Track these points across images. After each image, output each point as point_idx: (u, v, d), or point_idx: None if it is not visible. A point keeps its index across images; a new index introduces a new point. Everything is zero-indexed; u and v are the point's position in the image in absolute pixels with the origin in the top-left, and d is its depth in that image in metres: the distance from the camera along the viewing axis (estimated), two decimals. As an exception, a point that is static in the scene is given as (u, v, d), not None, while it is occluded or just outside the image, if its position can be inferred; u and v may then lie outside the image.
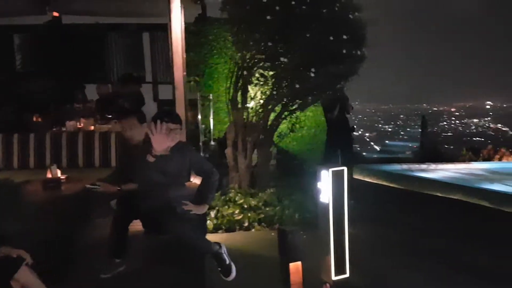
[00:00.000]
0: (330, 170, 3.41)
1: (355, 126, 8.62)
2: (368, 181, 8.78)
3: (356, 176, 8.93)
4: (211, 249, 3.39)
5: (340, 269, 3.46)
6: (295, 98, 6.16)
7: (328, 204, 3.43)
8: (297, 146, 9.33)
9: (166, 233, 3.27)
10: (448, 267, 4.20)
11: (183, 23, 5.95)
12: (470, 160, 11.26)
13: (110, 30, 9.68)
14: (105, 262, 3.59)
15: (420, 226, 5.71)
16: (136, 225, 3.70)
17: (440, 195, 7.32)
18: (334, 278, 3.43)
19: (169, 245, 3.51)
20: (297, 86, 5.69)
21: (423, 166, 9.60)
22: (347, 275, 3.50)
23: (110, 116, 6.94)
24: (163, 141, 3.19)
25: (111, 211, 3.78)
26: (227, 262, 3.45)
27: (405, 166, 9.61)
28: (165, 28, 6.28)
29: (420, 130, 12.08)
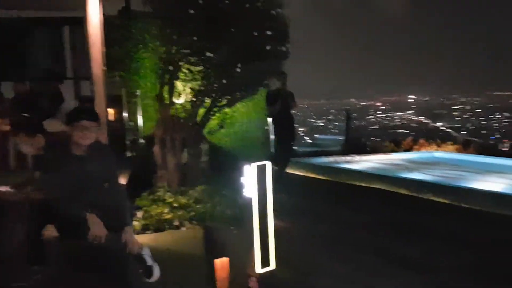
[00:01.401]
0: (254, 165, 3.43)
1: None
2: (298, 174, 9.05)
3: (287, 170, 9.13)
4: (133, 252, 3.27)
5: (265, 262, 3.50)
6: (223, 94, 6.14)
7: (252, 199, 3.46)
8: (230, 142, 9.32)
9: (81, 238, 3.10)
10: (373, 257, 4.37)
11: (101, 15, 5.66)
12: (392, 151, 12.00)
13: (28, 24, 8.96)
14: (20, 270, 3.34)
15: (346, 216, 5.98)
16: (53, 230, 3.47)
17: (364, 185, 7.75)
18: (259, 271, 3.46)
19: (87, 249, 3.33)
20: (225, 81, 5.66)
21: (348, 158, 10.08)
22: (273, 267, 3.55)
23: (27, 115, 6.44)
24: (79, 140, 3.03)
25: (24, 216, 3.51)
26: (149, 263, 3.34)
27: (332, 159, 10.02)
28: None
29: (345, 124, 12.62)
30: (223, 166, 8.22)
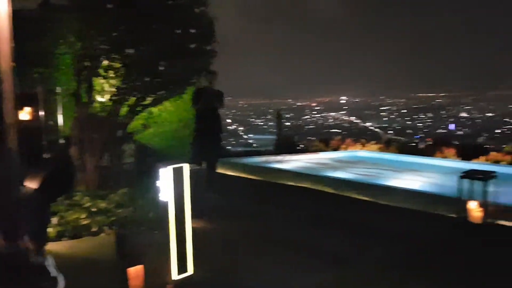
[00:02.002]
0: (170, 167, 3.33)
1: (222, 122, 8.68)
2: (229, 175, 9.03)
3: (219, 170, 9.07)
4: (34, 262, 3.01)
5: (182, 268, 3.42)
6: (147, 92, 5.93)
7: (169, 203, 3.35)
8: (159, 143, 9.06)
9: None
10: (299, 253, 4.46)
11: (10, 7, 5.19)
12: (321, 150, 12.41)
13: None
14: None
15: (275, 215, 6.05)
16: None
17: (292, 184, 7.92)
18: (176, 277, 3.37)
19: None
20: (148, 79, 5.46)
21: (279, 157, 10.26)
22: (191, 272, 3.48)
23: None
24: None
25: None
26: (53, 274, 3.10)
27: (263, 158, 10.14)
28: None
29: (276, 124, 12.84)
30: (150, 167, 7.98)
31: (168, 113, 8.81)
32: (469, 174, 5.47)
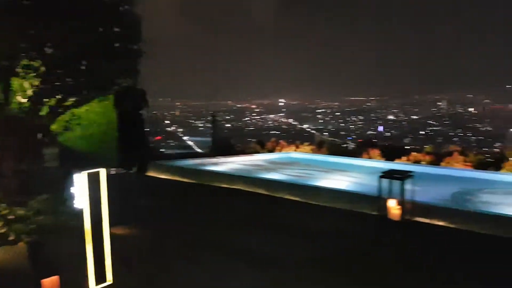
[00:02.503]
0: (84, 173, 3.18)
1: (145, 122, 8.47)
2: (163, 178, 8.83)
3: (150, 174, 8.84)
4: None
5: (101, 277, 3.27)
6: (69, 93, 5.61)
7: (84, 210, 3.20)
8: (86, 146, 8.63)
9: None
10: (228, 257, 4.43)
11: None
12: (257, 152, 12.57)
13: None
14: None
15: (207, 218, 6.00)
16: None
17: (226, 186, 7.93)
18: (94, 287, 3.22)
19: None
20: (69, 79, 5.17)
21: (214, 159, 10.22)
22: (110, 282, 3.34)
23: None
24: None
25: None
26: None
27: (198, 161, 10.04)
28: None
29: (211, 126, 12.78)
30: (75, 171, 7.56)
31: (96, 115, 8.42)
32: (388, 174, 5.81)
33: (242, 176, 8.19)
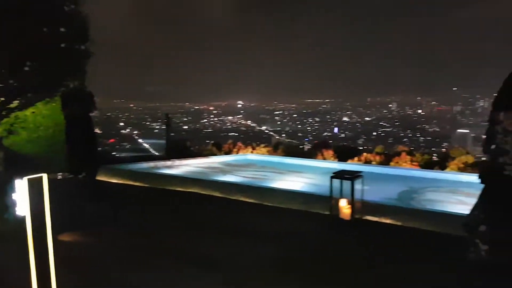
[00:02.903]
0: (25, 178, 3.02)
1: (94, 126, 8.17)
2: (114, 182, 8.57)
3: (100, 178, 8.56)
4: None
5: (44, 287, 3.12)
6: (12, 95, 5.34)
7: (26, 217, 3.04)
8: (33, 149, 8.23)
9: None
10: (178, 260, 4.37)
11: None
12: (213, 154, 12.51)
13: None
14: None
15: (159, 223, 5.88)
16: None
17: (180, 189, 7.82)
18: (36, 299, 3.06)
19: None
20: (11, 81, 4.92)
21: (169, 163, 10.05)
22: (54, 291, 3.19)
23: None
24: None
25: None
26: None
27: (152, 164, 9.84)
28: None
29: (165, 128, 12.57)
30: (23, 175, 7.17)
31: (43, 117, 8.06)
32: (339, 175, 5.98)
33: (197, 179, 8.12)
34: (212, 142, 15.03)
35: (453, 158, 11.27)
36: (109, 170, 8.67)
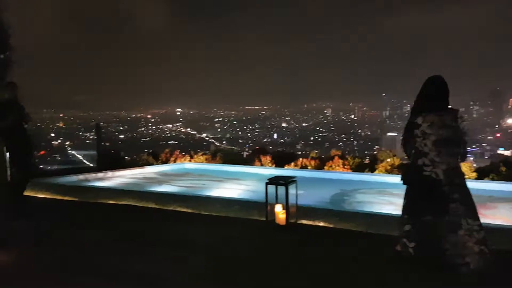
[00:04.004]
0: None
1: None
2: (42, 197, 8.02)
3: (27, 193, 7.97)
4: None
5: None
6: None
7: None
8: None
9: None
10: (103, 278, 4.16)
11: None
12: (149, 164, 12.18)
13: None
14: None
15: (88, 238, 5.57)
16: None
17: (112, 202, 7.50)
18: None
19: None
20: None
21: (100, 174, 9.62)
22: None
23: None
24: None
25: None
26: None
27: (81, 177, 9.35)
28: None
29: (96, 137, 12.03)
30: None
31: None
32: (273, 180, 6.08)
33: (131, 190, 7.84)
34: (148, 151, 14.60)
35: (382, 161, 11.98)
36: (36, 185, 8.11)
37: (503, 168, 13.31)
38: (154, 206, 7.22)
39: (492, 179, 12.15)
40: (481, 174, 12.84)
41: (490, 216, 6.43)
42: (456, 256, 3.46)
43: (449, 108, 3.61)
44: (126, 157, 13.40)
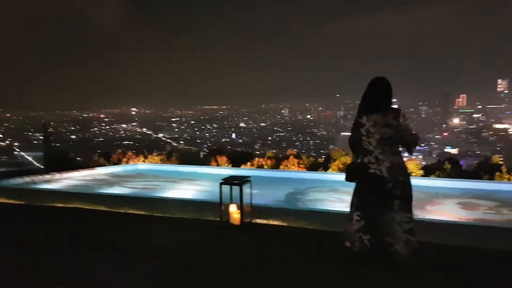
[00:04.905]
0: None
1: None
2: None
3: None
4: None
5: None
6: None
7: None
8: None
9: None
10: (45, 284, 3.97)
11: None
12: (101, 165, 11.77)
13: None
14: None
15: (32, 244, 5.28)
16: None
17: (60, 205, 7.17)
18: None
19: None
20: None
21: (48, 176, 9.18)
22: None
23: None
24: None
25: None
26: None
27: (28, 179, 8.88)
28: None
29: (43, 138, 11.48)
30: None
31: None
32: (228, 180, 6.06)
33: (80, 193, 7.54)
34: (99, 152, 14.09)
35: (335, 160, 12.29)
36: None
37: (448, 166, 14.07)
38: (104, 209, 6.98)
39: (438, 176, 12.81)
40: (428, 171, 13.50)
41: (436, 212, 6.77)
42: (391, 245, 3.62)
43: (392, 107, 3.75)
44: (78, 158, 12.85)
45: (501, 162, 15.47)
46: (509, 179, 12.09)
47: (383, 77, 3.82)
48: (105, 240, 5.46)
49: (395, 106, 3.88)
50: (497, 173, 12.55)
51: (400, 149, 3.80)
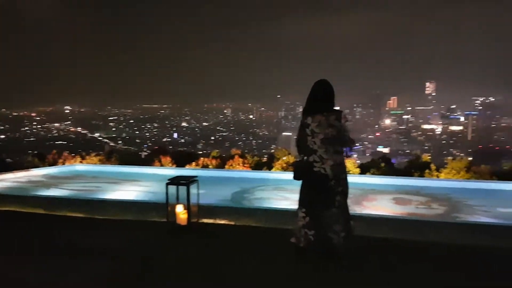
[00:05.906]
0: None
1: None
2: None
3: None
4: None
5: None
6: None
7: None
8: None
9: None
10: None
11: None
12: (35, 166, 11.08)
13: None
14: None
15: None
16: None
17: (-8, 210, 6.68)
18: None
19: None
20: None
21: (-26, 179, 8.50)
22: None
23: None
24: None
25: None
26: None
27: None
28: None
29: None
30: None
31: None
32: (174, 180, 6.01)
33: (14, 195, 7.07)
34: (34, 152, 13.23)
35: (278, 159, 12.59)
36: None
37: (382, 164, 14.97)
38: (42, 212, 6.61)
39: (373, 174, 13.58)
40: (364, 169, 14.27)
41: (371, 207, 7.22)
42: (333, 239, 3.84)
43: (335, 109, 3.97)
44: (8, 159, 11.96)
45: (429, 161, 16.72)
46: (437, 176, 13.14)
47: (326, 79, 4.03)
48: (44, 244, 5.19)
49: (337, 108, 4.10)
50: (427, 171, 13.57)
51: (340, 149, 4.01)
